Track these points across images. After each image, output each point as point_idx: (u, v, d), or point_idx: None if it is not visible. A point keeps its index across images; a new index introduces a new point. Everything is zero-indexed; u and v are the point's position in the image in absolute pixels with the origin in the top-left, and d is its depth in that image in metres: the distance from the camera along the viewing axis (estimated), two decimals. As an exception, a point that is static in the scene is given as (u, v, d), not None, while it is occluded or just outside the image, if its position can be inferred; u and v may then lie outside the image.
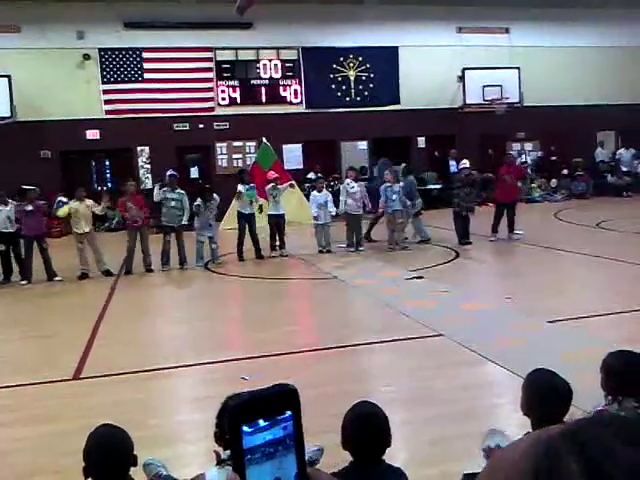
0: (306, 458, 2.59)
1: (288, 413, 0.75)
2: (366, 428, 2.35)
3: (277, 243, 11.59)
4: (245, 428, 0.71)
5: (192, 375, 5.36)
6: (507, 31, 20.60)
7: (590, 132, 21.22)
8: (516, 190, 12.44)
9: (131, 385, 5.08)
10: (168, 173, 10.96)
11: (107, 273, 10.34)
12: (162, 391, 5.03)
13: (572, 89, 20.52)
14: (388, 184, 11.60)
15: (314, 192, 12.01)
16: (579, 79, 20.74)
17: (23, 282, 10.02)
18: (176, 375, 5.36)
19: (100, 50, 17.64)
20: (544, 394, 2.46)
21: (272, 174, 12.02)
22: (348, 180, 11.86)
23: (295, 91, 19.26)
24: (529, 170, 20.33)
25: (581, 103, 20.45)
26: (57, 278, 10.13)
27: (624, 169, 20.71)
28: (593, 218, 14.30)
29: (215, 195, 11.13)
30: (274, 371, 5.23)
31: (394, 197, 11.44)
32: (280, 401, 0.75)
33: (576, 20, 20.61)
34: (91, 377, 5.31)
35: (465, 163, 12.08)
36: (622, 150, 21.55)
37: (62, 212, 10.54)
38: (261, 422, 0.72)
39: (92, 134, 17.64)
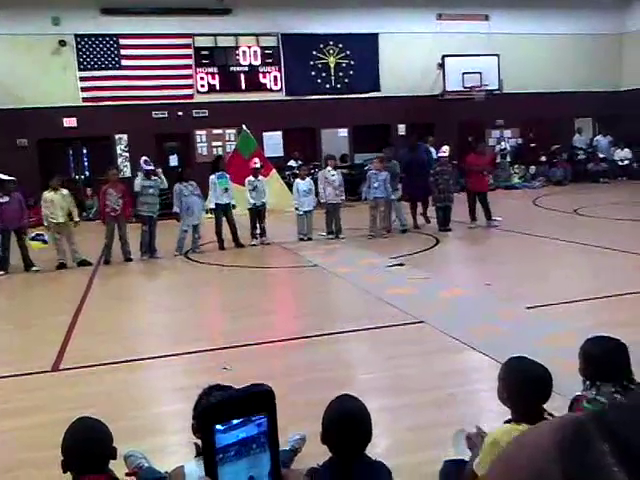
0: (288, 447, 2.60)
1: (263, 413, 0.74)
2: (348, 427, 2.27)
3: (258, 231, 11.56)
4: (218, 426, 0.70)
5: (173, 365, 5.33)
6: (487, 18, 20.64)
7: (568, 119, 21.40)
8: (485, 181, 12.47)
9: (111, 376, 5.05)
10: (145, 167, 10.79)
11: (83, 263, 10.22)
12: (142, 382, 5.00)
13: (550, 76, 20.65)
14: (374, 170, 11.63)
15: (297, 180, 11.97)
16: (557, 66, 20.87)
17: (0, 273, 9.89)
18: (157, 365, 5.33)
19: (76, 36, 17.38)
20: (523, 382, 2.44)
21: (254, 162, 11.86)
22: (329, 168, 11.84)
23: (275, 78, 19.15)
24: (507, 157, 20.50)
25: (559, 90, 20.61)
26: (34, 268, 10.01)
27: (601, 156, 20.93)
28: (571, 204, 14.45)
29: (193, 182, 11.09)
30: (255, 360, 5.23)
31: (376, 184, 11.45)
32: (255, 402, 0.74)
33: (554, 8, 20.72)
34: (70, 368, 5.26)
35: (445, 151, 12.09)
36: (599, 137, 21.77)
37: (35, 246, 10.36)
38: (234, 421, 0.71)
39: (69, 122, 17.41)
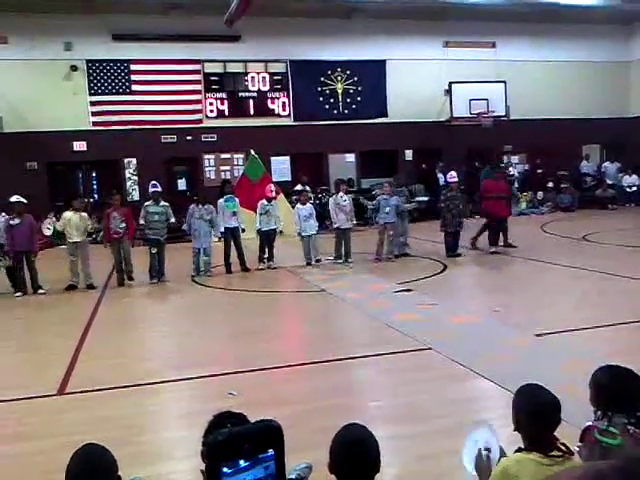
0: (294, 476, 2.53)
1: (270, 452, 0.73)
2: (355, 456, 2.23)
3: (265, 255, 11.57)
4: (224, 469, 0.69)
5: (179, 390, 5.30)
6: (493, 45, 20.82)
7: (575, 145, 21.45)
8: (508, 205, 12.50)
9: (117, 401, 5.02)
10: (151, 190, 10.87)
11: (91, 287, 10.30)
12: (148, 407, 4.96)
13: (557, 103, 20.75)
14: (385, 196, 11.69)
15: (298, 205, 12.00)
16: (564, 93, 20.98)
17: (17, 294, 9.97)
18: (163, 390, 5.30)
19: (88, 62, 17.63)
20: (532, 410, 2.43)
21: (270, 190, 11.88)
22: (341, 193, 11.89)
23: (283, 104, 19.32)
24: (515, 183, 20.52)
25: (566, 116, 20.68)
26: (41, 291, 10.05)
27: (609, 182, 20.93)
28: (579, 231, 14.40)
29: (209, 206, 11.16)
30: (262, 386, 5.20)
31: (387, 210, 11.52)
32: (263, 438, 0.73)
33: (561, 35, 20.89)
34: (76, 392, 5.23)
35: (454, 176, 12.12)
36: (607, 163, 21.80)
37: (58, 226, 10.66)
38: (242, 462, 0.70)
39: (79, 145, 17.58)
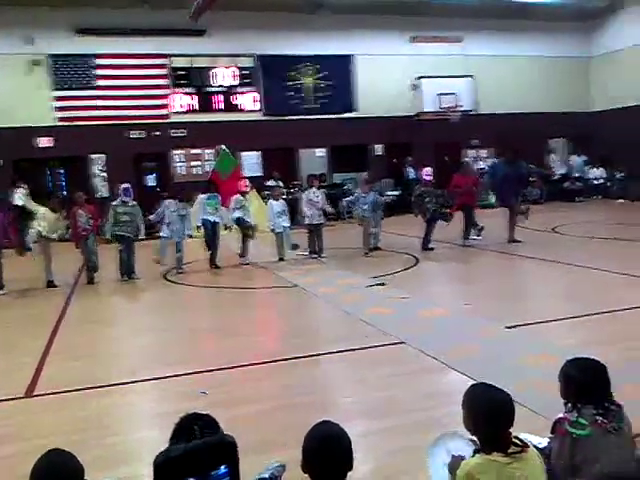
0: (267, 475, 2.50)
1: (223, 468, 0.70)
2: (328, 453, 2.23)
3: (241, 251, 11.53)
4: None
5: (149, 390, 5.23)
6: (461, 40, 20.96)
7: (542, 139, 21.73)
8: (474, 196, 12.62)
9: (87, 402, 4.93)
10: (124, 199, 10.46)
11: (50, 284, 10.15)
12: (119, 408, 4.88)
13: (524, 97, 21.02)
14: (363, 194, 11.76)
15: (271, 201, 11.96)
16: (531, 88, 21.26)
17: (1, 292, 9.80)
18: (133, 390, 5.22)
19: (51, 56, 17.27)
20: (492, 411, 2.39)
21: (245, 185, 11.81)
22: (314, 189, 11.88)
23: (253, 98, 19.20)
24: (484, 177, 20.69)
25: (533, 111, 20.94)
26: (1, 292, 9.83)
27: (575, 175, 21.28)
28: (549, 223, 14.61)
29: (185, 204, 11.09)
30: (234, 383, 5.16)
31: (365, 206, 11.59)
32: (216, 454, 0.70)
33: (527, 31, 21.15)
34: (45, 394, 5.13)
35: (430, 173, 12.24)
36: (574, 156, 22.15)
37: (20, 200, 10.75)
38: None
39: (45, 142, 17.24)
